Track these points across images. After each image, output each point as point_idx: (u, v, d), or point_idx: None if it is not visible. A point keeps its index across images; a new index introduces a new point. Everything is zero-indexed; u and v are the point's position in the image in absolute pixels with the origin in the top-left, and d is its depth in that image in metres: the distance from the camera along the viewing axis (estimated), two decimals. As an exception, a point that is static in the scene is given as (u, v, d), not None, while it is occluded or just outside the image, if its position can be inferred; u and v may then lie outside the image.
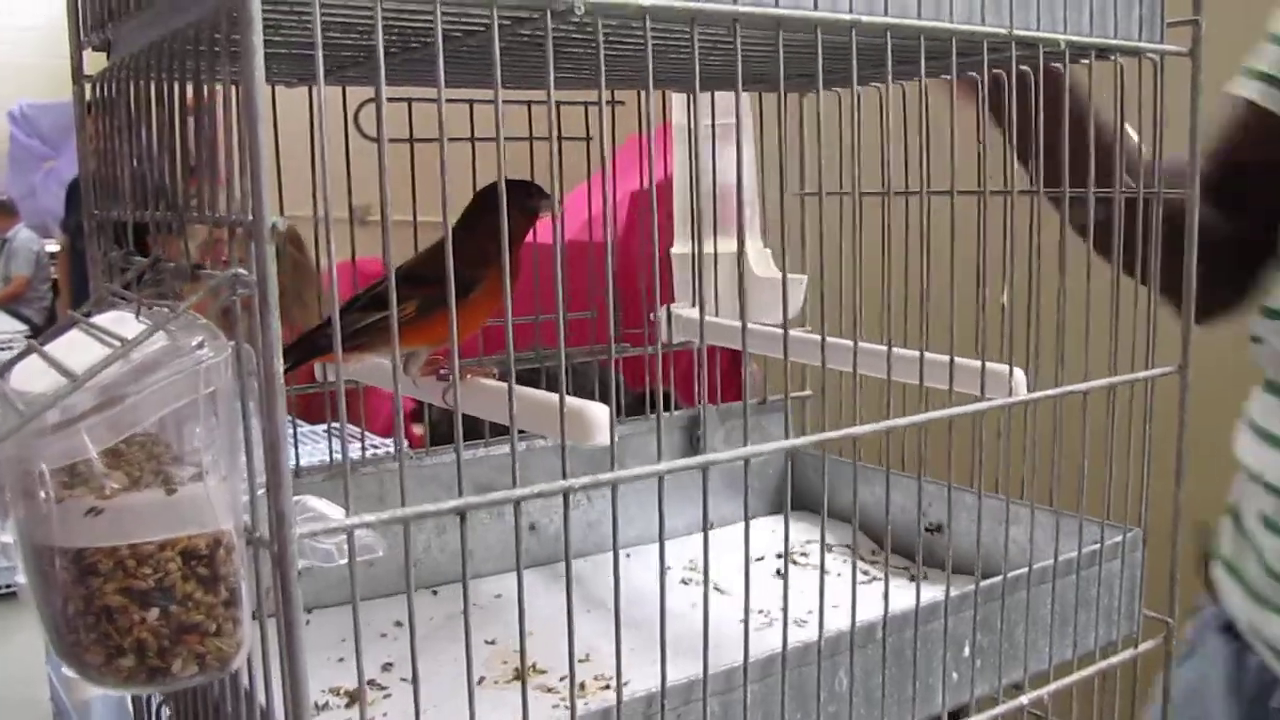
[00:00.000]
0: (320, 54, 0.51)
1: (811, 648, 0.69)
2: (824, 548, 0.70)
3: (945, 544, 1.01)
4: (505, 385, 0.57)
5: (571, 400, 0.58)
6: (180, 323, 0.54)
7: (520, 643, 0.59)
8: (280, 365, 0.48)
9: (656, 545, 1.07)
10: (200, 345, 0.53)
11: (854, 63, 0.66)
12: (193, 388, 0.52)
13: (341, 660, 0.85)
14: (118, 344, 0.52)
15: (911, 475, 1.05)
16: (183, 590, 0.52)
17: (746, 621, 0.66)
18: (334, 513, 0.63)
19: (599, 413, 0.59)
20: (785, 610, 0.68)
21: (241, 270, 0.51)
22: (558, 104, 1.01)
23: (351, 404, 1.02)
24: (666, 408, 1.16)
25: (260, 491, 0.52)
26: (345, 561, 0.55)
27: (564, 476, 0.56)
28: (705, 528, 0.63)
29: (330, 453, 1.02)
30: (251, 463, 0.53)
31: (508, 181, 0.73)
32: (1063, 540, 0.86)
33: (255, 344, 0.49)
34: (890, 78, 0.68)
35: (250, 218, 0.48)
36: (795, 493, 1.20)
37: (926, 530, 1.06)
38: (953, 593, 0.76)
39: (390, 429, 2.18)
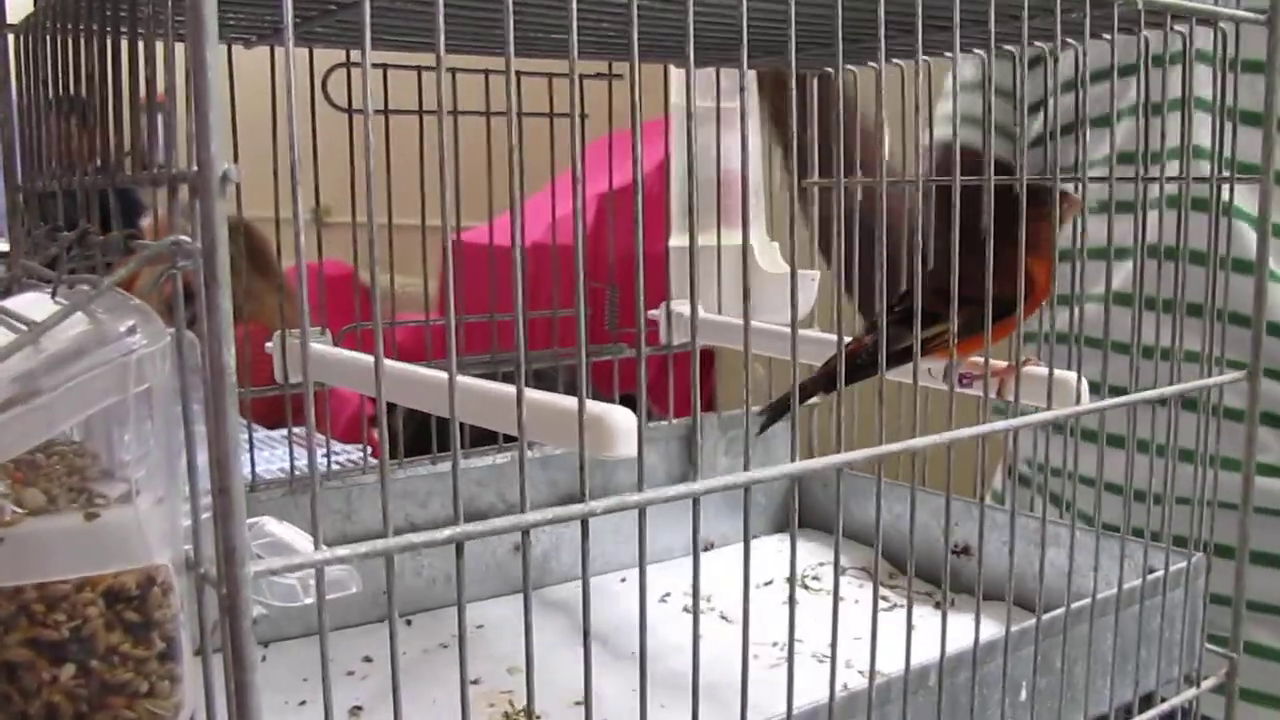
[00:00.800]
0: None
1: (860, 697, 0.59)
2: (876, 577, 0.60)
3: (985, 569, 0.91)
4: (509, 389, 0.47)
5: (590, 404, 0.47)
6: (106, 303, 0.43)
7: (529, 696, 0.48)
8: (232, 357, 0.37)
9: (653, 569, 0.98)
10: (131, 331, 0.42)
11: (919, 20, 0.56)
12: (121, 384, 0.41)
13: (304, 704, 0.74)
14: (26, 329, 0.41)
15: (936, 492, 0.96)
16: (106, 641, 0.41)
17: (791, 668, 0.56)
18: (298, 541, 0.52)
19: (623, 420, 0.48)
20: (833, 658, 0.57)
21: (183, 237, 0.40)
22: (551, 76, 0.91)
23: (314, 406, 0.90)
24: (647, 417, 1.06)
25: (206, 515, 0.42)
26: (312, 601, 0.45)
27: (583, 497, 0.46)
28: (746, 555, 0.53)
29: (291, 460, 0.90)
30: (195, 479, 0.42)
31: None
32: (1113, 566, 0.76)
33: (201, 330, 0.39)
34: (958, 42, 0.58)
35: (195, 169, 0.37)
36: (800, 510, 1.10)
37: (954, 552, 0.96)
38: (1012, 628, 0.66)
39: (352, 433, 2.07)
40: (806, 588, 0.96)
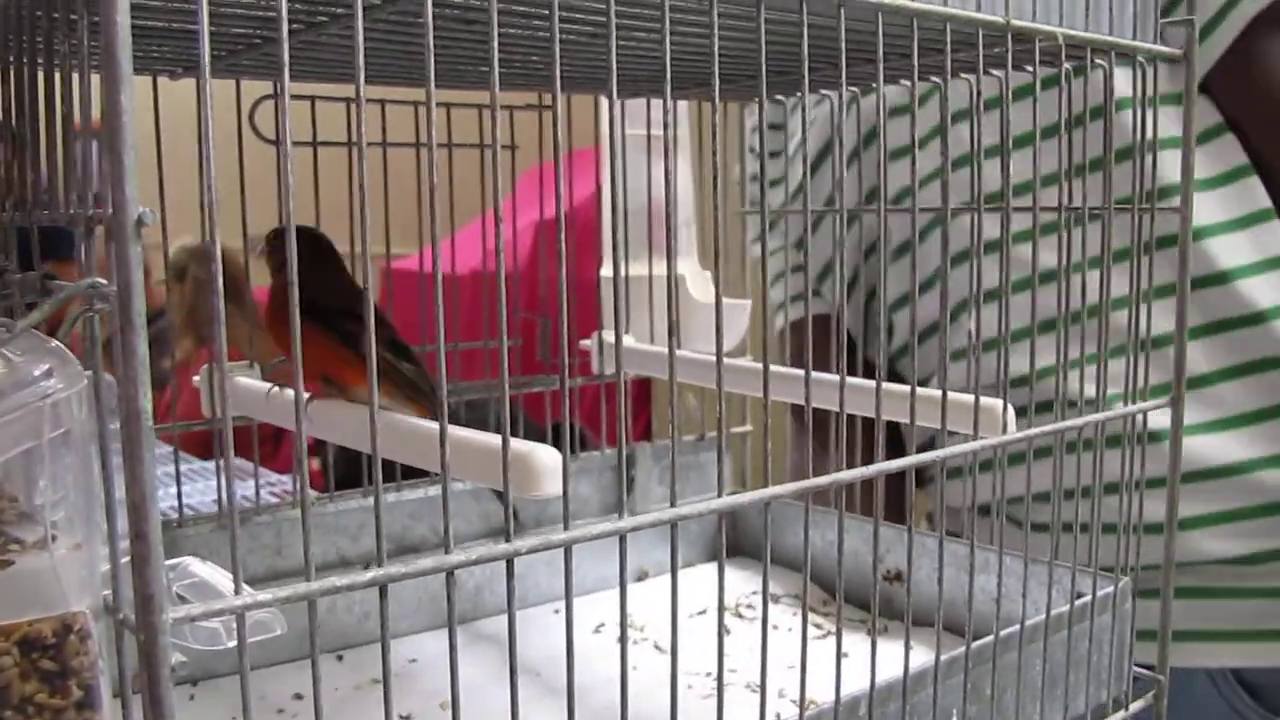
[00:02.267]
0: (205, 13, 0.40)
1: (790, 730, 0.59)
2: (805, 608, 0.60)
3: (916, 597, 0.92)
4: (432, 425, 0.47)
5: (514, 442, 0.47)
6: (22, 345, 0.42)
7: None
8: (148, 402, 0.37)
9: (586, 599, 0.98)
10: (47, 374, 0.41)
11: (843, 49, 0.56)
12: (36, 428, 0.41)
13: (231, 743, 0.73)
14: (-63, 373, 0.40)
15: (861, 518, 0.97)
16: (21, 691, 0.41)
17: (720, 698, 0.56)
18: (222, 583, 0.51)
19: (547, 458, 0.48)
20: (763, 688, 0.57)
21: (100, 279, 0.40)
22: (481, 108, 0.91)
23: (246, 440, 0.90)
24: (582, 446, 1.06)
25: (126, 560, 0.41)
26: (235, 644, 0.44)
27: (508, 538, 0.45)
28: (674, 590, 0.53)
29: (219, 495, 0.90)
30: (114, 523, 0.42)
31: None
32: (1043, 592, 0.77)
33: (118, 373, 0.38)
34: (881, 74, 0.59)
35: (110, 211, 0.37)
36: (731, 538, 1.10)
37: (886, 579, 0.97)
38: (941, 656, 0.66)
39: (290, 465, 2.04)
40: (741, 616, 0.97)
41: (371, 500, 0.91)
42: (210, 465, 1.75)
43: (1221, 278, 1.02)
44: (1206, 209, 1.02)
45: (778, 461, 0.70)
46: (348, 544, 0.88)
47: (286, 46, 0.42)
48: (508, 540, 0.45)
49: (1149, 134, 0.76)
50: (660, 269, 1.04)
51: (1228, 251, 1.02)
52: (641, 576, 1.04)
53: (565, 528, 0.47)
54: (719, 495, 0.53)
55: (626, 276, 1.02)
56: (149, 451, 0.37)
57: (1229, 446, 1.02)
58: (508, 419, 0.45)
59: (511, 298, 0.98)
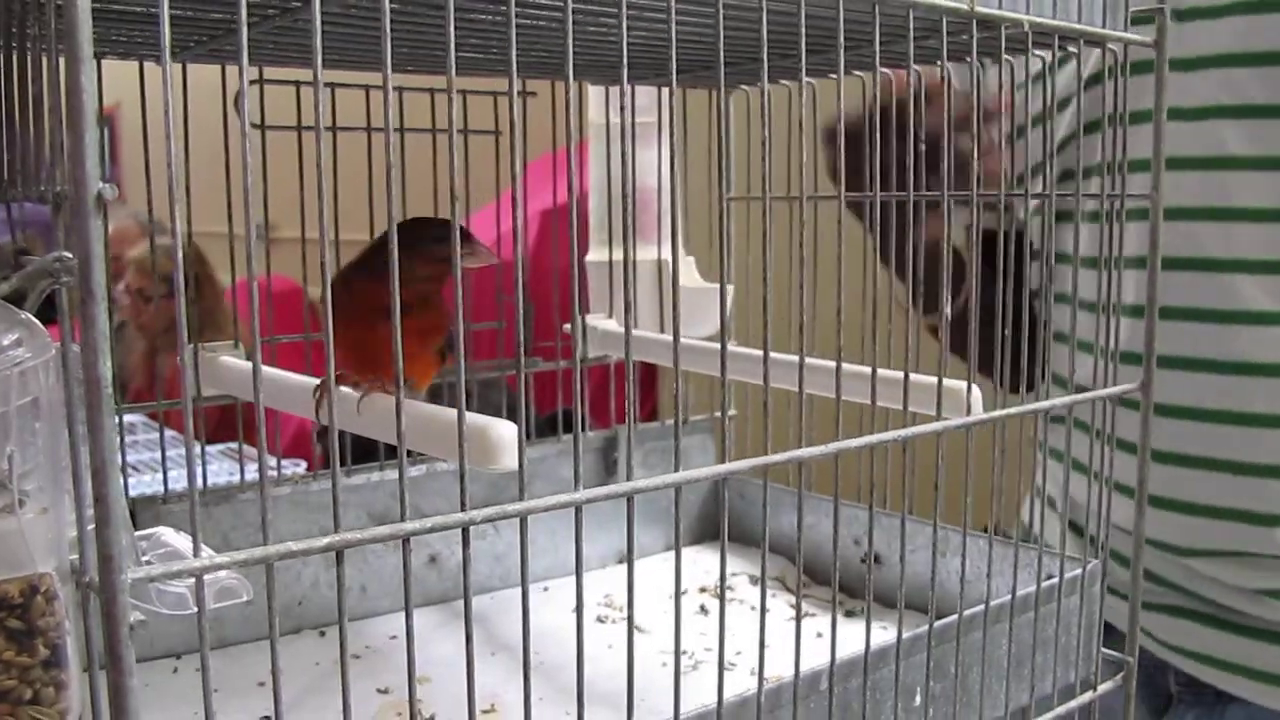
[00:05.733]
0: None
1: (750, 701, 0.61)
2: (764, 585, 0.62)
3: (895, 578, 0.93)
4: (388, 399, 0.48)
5: (473, 417, 0.48)
6: (-9, 318, 0.44)
7: (410, 696, 0.49)
8: (108, 369, 0.38)
9: (568, 579, 0.99)
10: (17, 343, 0.43)
11: (802, 37, 0.58)
12: (4, 395, 0.42)
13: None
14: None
15: (847, 502, 0.98)
16: (-13, 649, 0.42)
17: (677, 671, 0.57)
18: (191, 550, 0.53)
19: (505, 431, 0.50)
20: (720, 661, 0.59)
21: (66, 253, 0.41)
22: (462, 93, 0.93)
23: (232, 420, 0.91)
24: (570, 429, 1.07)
25: (93, 527, 0.43)
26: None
27: (463, 507, 0.47)
28: (630, 564, 0.54)
29: (194, 476, 0.91)
30: (80, 489, 0.43)
31: (415, 221, 0.68)
32: (1014, 573, 0.78)
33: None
34: (843, 61, 0.60)
35: (71, 186, 0.38)
36: (713, 521, 1.12)
37: (863, 561, 0.98)
38: (904, 634, 0.68)
39: (291, 448, 2.07)
40: (718, 597, 0.98)
41: (354, 479, 0.93)
42: (212, 449, 1.77)
43: None
44: None
45: (755, 441, 0.72)
46: (330, 520, 0.89)
47: (245, 30, 0.43)
48: (463, 510, 0.47)
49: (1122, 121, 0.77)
50: (645, 254, 1.06)
51: None
52: (623, 558, 1.05)
53: (521, 498, 0.48)
54: (675, 469, 0.54)
55: (610, 261, 1.03)
56: (109, 417, 0.39)
57: None
58: (462, 393, 0.46)
59: (494, 283, 1.00)
